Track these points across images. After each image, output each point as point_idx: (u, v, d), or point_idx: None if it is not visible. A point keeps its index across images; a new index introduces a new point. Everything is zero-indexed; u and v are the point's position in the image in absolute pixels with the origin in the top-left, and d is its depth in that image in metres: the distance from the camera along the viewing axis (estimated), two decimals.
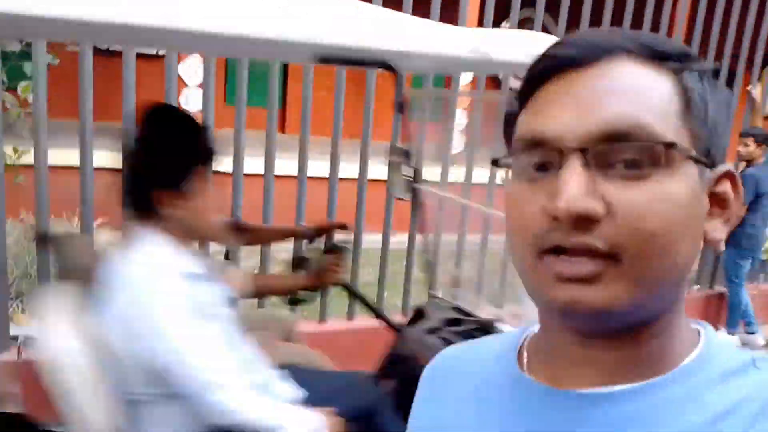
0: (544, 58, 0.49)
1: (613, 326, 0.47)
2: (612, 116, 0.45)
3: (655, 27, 3.80)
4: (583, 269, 0.44)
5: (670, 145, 0.44)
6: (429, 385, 0.64)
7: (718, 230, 0.49)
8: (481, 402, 0.56)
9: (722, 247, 0.49)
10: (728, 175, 0.49)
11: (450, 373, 0.62)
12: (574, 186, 0.43)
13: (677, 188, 0.45)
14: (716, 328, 5.03)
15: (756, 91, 5.04)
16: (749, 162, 4.71)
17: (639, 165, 0.44)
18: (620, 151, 0.44)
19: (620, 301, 0.44)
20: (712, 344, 0.51)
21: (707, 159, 0.47)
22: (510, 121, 0.52)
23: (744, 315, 4.74)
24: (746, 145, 4.66)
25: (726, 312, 4.80)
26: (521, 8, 3.37)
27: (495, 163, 0.51)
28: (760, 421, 0.44)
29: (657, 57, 0.47)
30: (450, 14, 3.11)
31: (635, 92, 0.45)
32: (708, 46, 4.11)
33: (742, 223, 4.66)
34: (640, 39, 0.47)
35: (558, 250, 0.45)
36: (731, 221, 0.50)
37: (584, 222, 0.44)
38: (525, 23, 3.27)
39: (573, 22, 3.45)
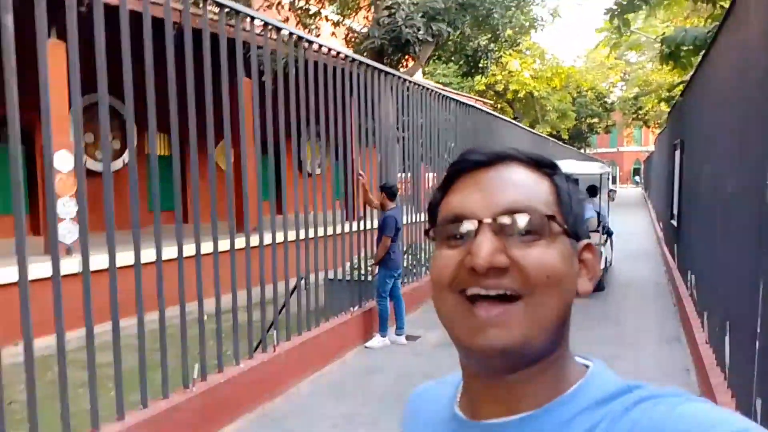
0: (460, 161, 0.69)
1: (515, 363, 0.62)
2: (511, 199, 0.63)
3: (234, 112, 4.46)
4: (493, 311, 0.60)
5: (551, 217, 0.63)
6: (401, 425, 0.82)
7: (586, 285, 0.67)
8: None
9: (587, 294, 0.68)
10: (589, 247, 0.68)
11: (413, 415, 0.80)
12: (488, 246, 0.61)
13: (557, 251, 0.63)
14: (371, 335, 6.40)
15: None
16: (384, 208, 6.33)
17: (530, 233, 0.62)
18: (517, 222, 0.62)
19: (520, 340, 0.60)
20: (594, 376, 0.66)
21: (574, 234, 0.66)
22: (433, 207, 0.70)
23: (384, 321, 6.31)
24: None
25: (378, 321, 6.42)
26: (89, 93, 3.73)
27: (426, 233, 0.70)
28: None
29: (535, 164, 0.67)
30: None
31: (525, 185, 0.65)
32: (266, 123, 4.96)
33: (388, 251, 6.24)
34: (524, 152, 0.68)
35: (474, 298, 0.61)
36: (595, 278, 0.68)
37: (495, 272, 0.60)
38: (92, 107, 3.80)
39: (139, 105, 3.71)
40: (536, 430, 0.62)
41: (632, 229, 17.23)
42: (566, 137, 31.25)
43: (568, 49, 74.17)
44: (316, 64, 5.65)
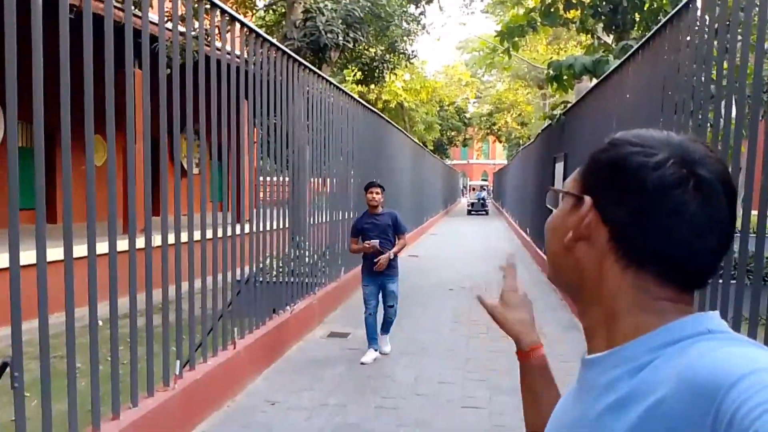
0: None
1: (565, 292, 0.79)
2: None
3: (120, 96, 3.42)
4: None
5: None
6: None
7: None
8: None
9: None
10: None
11: None
12: None
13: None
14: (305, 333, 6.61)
15: None
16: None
17: None
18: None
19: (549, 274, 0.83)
20: (684, 322, 0.65)
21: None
22: None
23: None
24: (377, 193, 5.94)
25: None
26: None
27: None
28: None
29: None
30: None
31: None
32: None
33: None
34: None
35: None
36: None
37: None
38: None
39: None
40: (605, 365, 0.68)
41: (493, 235, 18.76)
42: (431, 148, 33.00)
43: (427, 64, 77.90)
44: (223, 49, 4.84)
